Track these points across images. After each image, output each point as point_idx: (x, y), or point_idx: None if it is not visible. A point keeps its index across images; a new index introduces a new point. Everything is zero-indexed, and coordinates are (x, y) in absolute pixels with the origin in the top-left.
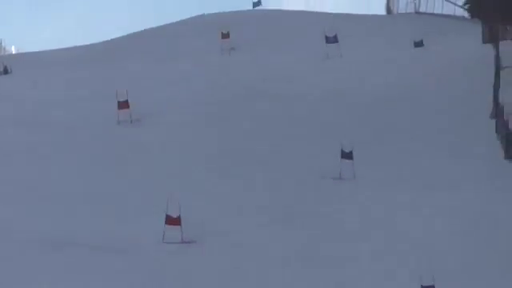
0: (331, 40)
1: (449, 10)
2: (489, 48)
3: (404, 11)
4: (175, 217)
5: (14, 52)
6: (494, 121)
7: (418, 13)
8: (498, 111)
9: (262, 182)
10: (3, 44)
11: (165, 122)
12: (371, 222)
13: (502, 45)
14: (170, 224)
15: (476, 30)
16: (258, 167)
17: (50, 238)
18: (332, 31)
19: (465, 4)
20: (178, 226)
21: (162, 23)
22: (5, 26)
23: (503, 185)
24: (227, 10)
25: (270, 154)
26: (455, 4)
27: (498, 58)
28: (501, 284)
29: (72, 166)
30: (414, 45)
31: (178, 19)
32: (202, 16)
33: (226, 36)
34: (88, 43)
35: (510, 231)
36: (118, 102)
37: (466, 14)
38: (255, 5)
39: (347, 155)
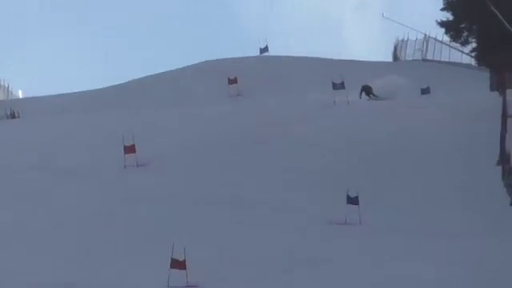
0: (338, 86)
1: (456, 57)
2: (496, 95)
3: (411, 58)
4: (181, 260)
5: (21, 96)
6: (499, 168)
7: (424, 60)
8: (504, 158)
9: (265, 228)
10: (10, 88)
11: (171, 166)
12: (374, 267)
13: (510, 93)
14: (175, 267)
15: (483, 77)
16: (263, 213)
17: (52, 282)
18: (339, 77)
19: (472, 51)
20: (184, 270)
21: (166, 69)
22: (12, 70)
23: (508, 233)
24: (234, 56)
25: (275, 199)
26: (462, 52)
27: (505, 105)
28: None
29: (78, 211)
30: (421, 92)
31: (184, 65)
32: (208, 62)
33: (233, 81)
34: (94, 88)
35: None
36: (125, 146)
37: (474, 62)
38: (262, 51)
39: (353, 200)
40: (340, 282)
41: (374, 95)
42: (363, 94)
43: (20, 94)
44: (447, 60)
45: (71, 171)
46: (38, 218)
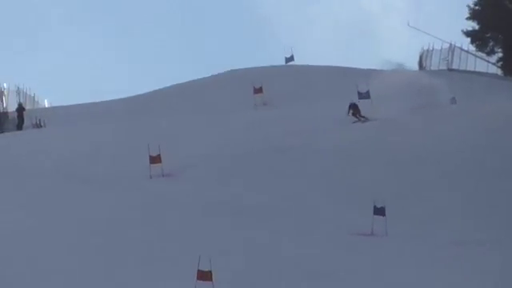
0: (363, 96)
1: (482, 67)
2: None
3: (437, 68)
4: (206, 271)
5: (46, 106)
6: None
7: (450, 69)
8: None
9: (290, 238)
10: (36, 98)
11: (196, 176)
12: (401, 281)
13: None
14: (200, 279)
15: (509, 87)
16: (288, 223)
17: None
18: (364, 87)
19: (498, 61)
20: (210, 282)
21: (192, 78)
22: (38, 79)
23: None
24: (260, 65)
25: (300, 209)
26: (488, 61)
27: None
28: None
29: (102, 220)
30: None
31: (209, 74)
32: (233, 71)
33: (258, 91)
34: (120, 97)
35: None
36: (150, 156)
37: (500, 72)
38: (288, 60)
39: (379, 211)
40: None
41: (361, 116)
42: (351, 111)
43: (46, 104)
44: (473, 69)
45: (96, 180)
46: (63, 225)
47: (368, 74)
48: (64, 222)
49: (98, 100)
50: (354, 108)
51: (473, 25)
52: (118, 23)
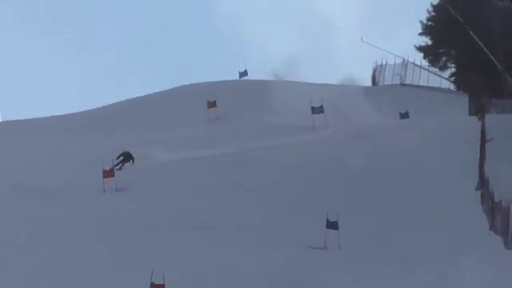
0: (317, 110)
1: (435, 82)
2: (475, 120)
3: (390, 83)
4: (159, 284)
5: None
6: (479, 192)
7: (403, 84)
8: (483, 183)
9: (247, 253)
10: None
11: (149, 190)
12: None
13: (488, 117)
14: None
15: (462, 101)
16: (242, 237)
17: None
18: (318, 101)
19: (451, 76)
20: None
21: (147, 92)
22: None
23: (486, 255)
24: (213, 79)
25: (255, 222)
26: (441, 76)
27: (483, 130)
28: None
29: (55, 233)
30: (400, 116)
31: (162, 89)
32: (186, 86)
33: (212, 105)
34: (73, 112)
35: None
36: (104, 171)
37: (452, 87)
38: (242, 75)
39: (332, 225)
40: None
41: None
42: (122, 163)
43: None
44: (426, 84)
45: (49, 194)
46: (15, 239)
47: (322, 88)
48: (15, 234)
49: (53, 114)
50: (125, 157)
51: (426, 40)
52: (73, 34)
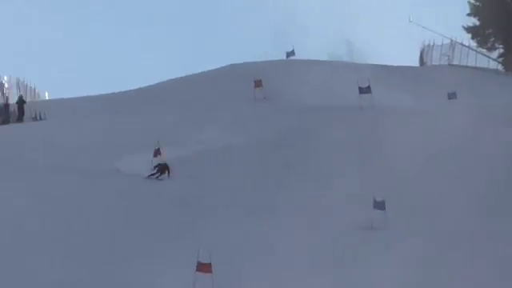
0: (364, 90)
1: (483, 62)
2: None
3: (437, 63)
4: (206, 263)
5: (47, 98)
6: None
7: (451, 65)
8: None
9: (292, 232)
10: (37, 90)
11: (193, 170)
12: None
13: None
14: (201, 271)
15: (510, 82)
16: (289, 217)
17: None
18: (365, 82)
19: (499, 57)
20: (210, 274)
21: (192, 72)
22: (38, 72)
23: None
24: (260, 59)
25: (301, 203)
26: (489, 57)
27: None
28: None
29: (103, 213)
30: (448, 96)
31: (209, 68)
32: (234, 65)
33: (258, 84)
34: (120, 90)
35: None
36: (154, 150)
37: (500, 67)
38: (289, 55)
39: (379, 205)
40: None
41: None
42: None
43: (46, 96)
44: (474, 65)
45: (94, 174)
46: (62, 218)
47: (369, 68)
48: (62, 213)
49: (97, 93)
50: (160, 168)
51: (474, 21)
52: (121, 18)
